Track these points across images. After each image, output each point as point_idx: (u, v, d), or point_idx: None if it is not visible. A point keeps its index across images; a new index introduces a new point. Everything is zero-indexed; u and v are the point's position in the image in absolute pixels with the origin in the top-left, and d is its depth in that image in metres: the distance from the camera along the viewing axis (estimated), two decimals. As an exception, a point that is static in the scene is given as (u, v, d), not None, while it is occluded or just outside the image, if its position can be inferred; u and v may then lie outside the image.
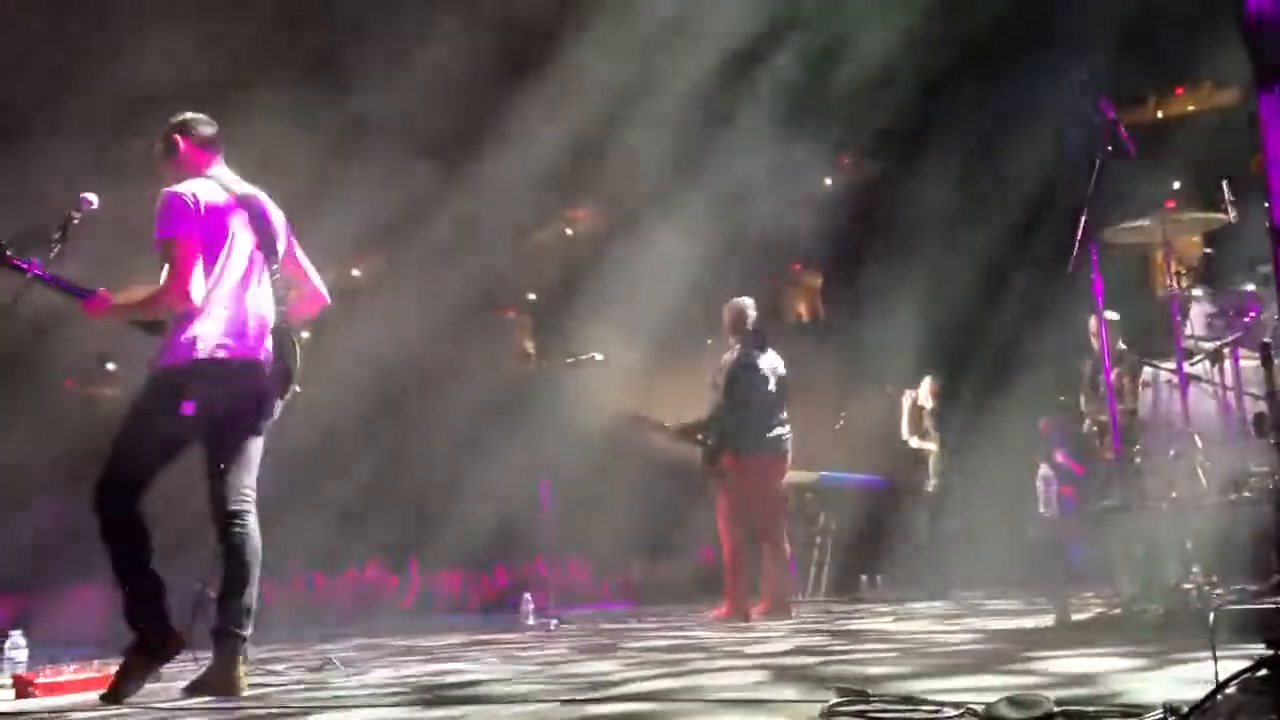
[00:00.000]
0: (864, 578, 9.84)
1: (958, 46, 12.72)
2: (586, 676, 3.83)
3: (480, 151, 14.02)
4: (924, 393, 9.34)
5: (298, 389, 4.25)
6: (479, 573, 14.20)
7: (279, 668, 5.04)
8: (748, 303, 7.51)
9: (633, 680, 3.60)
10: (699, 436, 7.29)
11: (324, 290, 4.37)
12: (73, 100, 10.68)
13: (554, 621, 7.60)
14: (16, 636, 5.46)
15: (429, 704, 3.25)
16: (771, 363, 7.31)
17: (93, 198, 4.16)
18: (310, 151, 15.47)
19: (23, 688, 3.89)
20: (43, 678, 4.07)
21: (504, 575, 13.88)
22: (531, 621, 8.00)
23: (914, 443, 9.36)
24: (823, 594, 9.68)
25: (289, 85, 13.60)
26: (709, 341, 14.58)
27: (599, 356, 8.41)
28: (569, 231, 18.24)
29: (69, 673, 4.16)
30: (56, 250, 4.08)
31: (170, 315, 3.96)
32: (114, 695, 3.73)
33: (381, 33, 12.62)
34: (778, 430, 7.22)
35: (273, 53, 13.27)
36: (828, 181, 16.55)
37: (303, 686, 4.10)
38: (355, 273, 19.77)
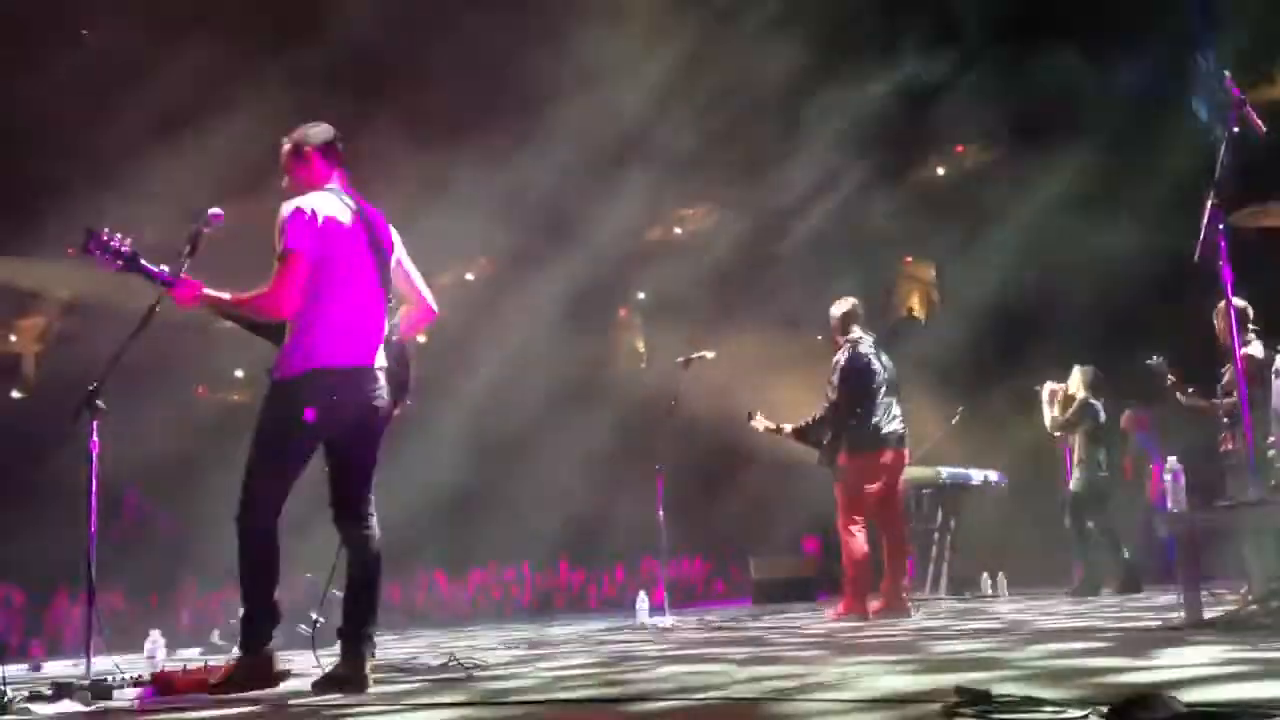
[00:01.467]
0: (985, 575, 9.63)
1: (1073, 27, 12.37)
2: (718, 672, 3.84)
3: (592, 151, 14.17)
4: (1075, 382, 8.95)
5: (409, 402, 4.35)
6: (597, 571, 14.32)
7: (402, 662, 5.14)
8: (854, 301, 7.45)
9: (759, 679, 3.60)
10: (814, 437, 7.23)
11: (433, 303, 4.45)
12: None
13: (670, 620, 7.62)
14: (156, 635, 5.70)
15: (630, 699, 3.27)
16: (883, 359, 7.24)
17: (220, 212, 4.32)
18: (421, 156, 15.87)
19: (164, 684, 4.05)
20: (182, 674, 4.23)
21: (621, 573, 13.97)
22: (647, 620, 8.03)
23: (1052, 429, 9.04)
24: (943, 592, 9.51)
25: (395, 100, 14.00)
26: (819, 338, 14.48)
27: (710, 355, 8.40)
28: (678, 230, 18.28)
29: (202, 670, 4.31)
30: (186, 265, 4.24)
31: (270, 318, 4.08)
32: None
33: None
34: (893, 426, 7.13)
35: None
36: (940, 171, 16.27)
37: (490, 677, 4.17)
38: (469, 276, 20.18)
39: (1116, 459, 9.05)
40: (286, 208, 4.05)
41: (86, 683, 4.07)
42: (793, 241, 15.30)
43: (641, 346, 19.00)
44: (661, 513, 7.80)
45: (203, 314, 4.32)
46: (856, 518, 7.03)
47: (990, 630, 5.39)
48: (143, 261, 4.15)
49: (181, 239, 4.35)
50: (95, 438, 4.47)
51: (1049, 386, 9.07)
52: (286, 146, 4.28)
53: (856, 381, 7.07)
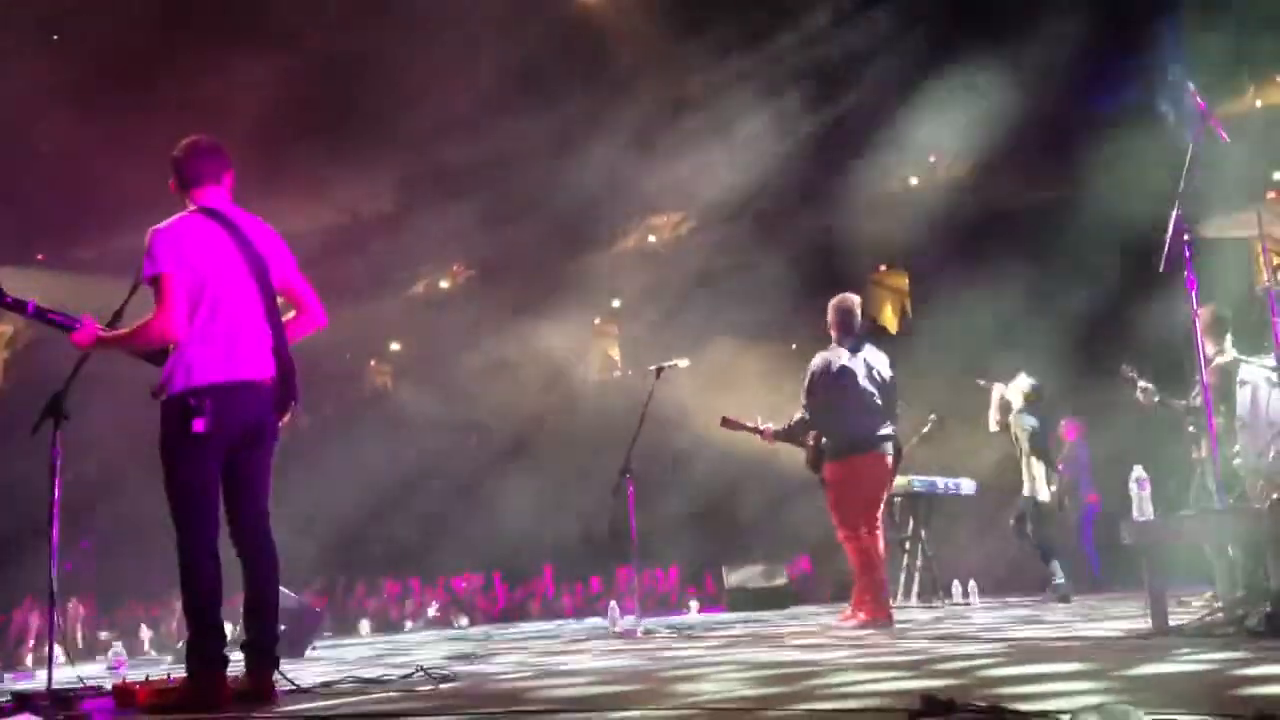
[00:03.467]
0: (956, 583, 9.66)
1: (1052, 39, 12.48)
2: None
3: (563, 161, 14.19)
4: (1014, 391, 9.05)
5: (298, 407, 4.32)
6: (570, 580, 14.26)
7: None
8: (855, 300, 7.19)
9: (692, 691, 3.58)
10: (799, 438, 7.14)
11: (322, 311, 4.42)
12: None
13: (640, 628, 7.60)
14: (118, 646, 5.63)
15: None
16: (870, 362, 6.98)
17: None
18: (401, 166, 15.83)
19: (124, 695, 4.00)
20: (143, 685, 4.17)
21: (596, 582, 13.92)
22: (619, 629, 8.00)
23: (993, 428, 9.15)
24: (914, 600, 9.53)
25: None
26: (793, 346, 14.51)
27: (684, 363, 8.36)
28: (652, 239, 18.31)
29: (164, 681, 4.26)
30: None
31: (162, 345, 4.07)
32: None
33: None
34: (869, 429, 6.87)
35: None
36: (913, 181, 16.37)
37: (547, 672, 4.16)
38: (443, 284, 20.13)
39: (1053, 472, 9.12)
40: (148, 233, 4.06)
41: (46, 694, 4.01)
42: (765, 248, 15.33)
43: (616, 354, 19.00)
44: (633, 521, 7.76)
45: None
46: (851, 523, 6.88)
47: (961, 637, 5.40)
48: (46, 311, 4.21)
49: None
50: (58, 446, 4.41)
51: (998, 388, 9.13)
52: (168, 168, 4.29)
53: (825, 386, 6.91)
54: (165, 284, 3.98)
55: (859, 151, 14.81)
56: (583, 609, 13.17)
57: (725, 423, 7.59)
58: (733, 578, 11.38)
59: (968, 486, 10.03)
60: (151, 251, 4.00)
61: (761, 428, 7.37)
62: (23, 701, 3.92)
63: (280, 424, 4.21)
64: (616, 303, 17.99)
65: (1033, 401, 9.00)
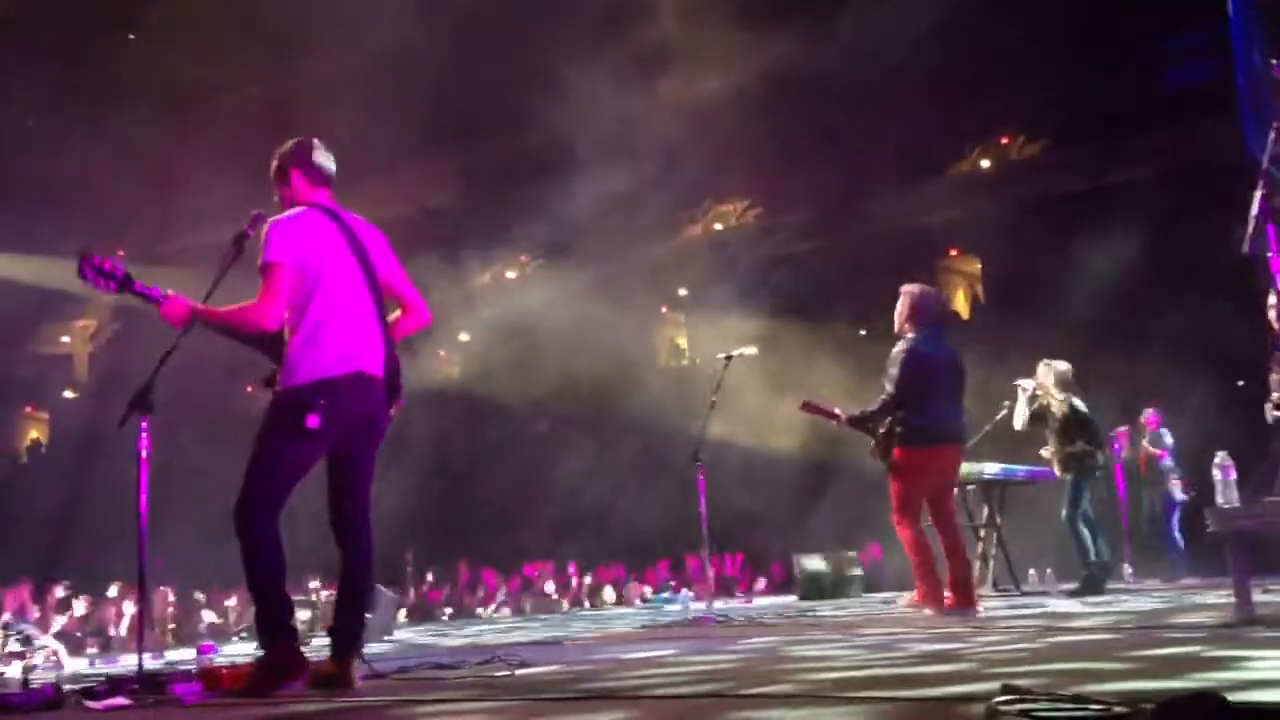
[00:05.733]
0: (1032, 571, 9.53)
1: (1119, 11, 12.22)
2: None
3: (629, 148, 14.20)
4: (1043, 379, 8.96)
5: (403, 402, 4.39)
6: (639, 566, 14.34)
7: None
8: (933, 291, 7.26)
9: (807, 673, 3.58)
10: (870, 426, 7.09)
11: (426, 309, 4.49)
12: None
13: (712, 615, 7.61)
14: (205, 630, 5.75)
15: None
16: (948, 352, 7.03)
17: (264, 214, 4.37)
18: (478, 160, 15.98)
19: (212, 679, 4.11)
20: (229, 670, 4.29)
21: (665, 568, 13.98)
22: (692, 615, 8.02)
23: (1019, 426, 9.05)
24: (989, 588, 9.42)
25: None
26: (862, 332, 14.40)
27: (752, 350, 8.34)
28: (719, 226, 18.27)
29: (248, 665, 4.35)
30: (231, 264, 4.31)
31: (256, 330, 4.15)
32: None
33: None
34: (951, 421, 6.94)
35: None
36: (985, 164, 16.14)
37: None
38: (510, 274, 20.29)
39: (1102, 455, 8.98)
40: (266, 224, 4.16)
41: (138, 677, 4.13)
42: (837, 236, 15.22)
43: (684, 343, 19.00)
44: (704, 511, 7.76)
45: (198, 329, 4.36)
46: (911, 512, 6.89)
47: (1037, 625, 5.33)
48: (133, 282, 4.27)
49: (226, 241, 4.42)
50: (145, 438, 4.51)
51: (1022, 384, 9.01)
52: (274, 164, 4.37)
53: (914, 374, 6.89)
54: (274, 273, 4.07)
55: (921, 133, 14.63)
56: (653, 595, 13.23)
57: (805, 406, 7.52)
58: (803, 565, 11.34)
59: (1042, 473, 9.88)
60: (267, 241, 4.10)
61: (837, 412, 7.31)
62: (115, 685, 4.04)
63: (388, 419, 4.29)
64: (683, 291, 17.98)
65: (1068, 382, 8.90)
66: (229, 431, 13.41)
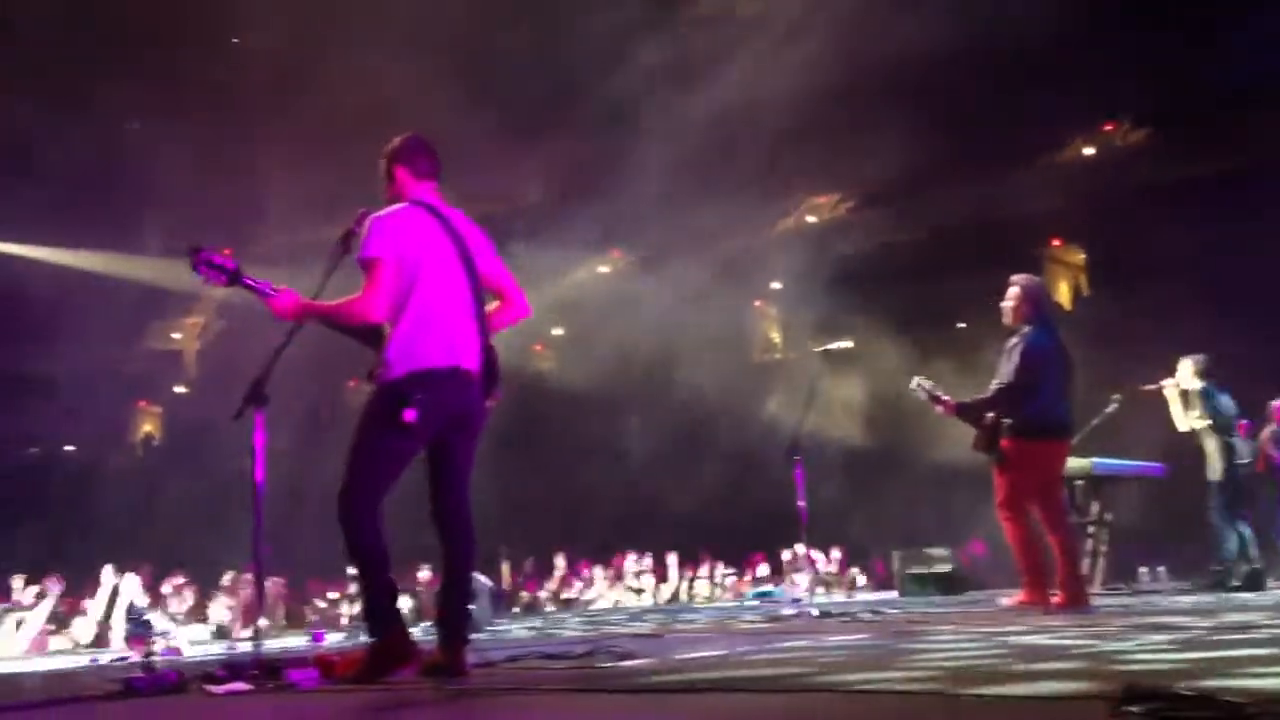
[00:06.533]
0: (1143, 569, 9.27)
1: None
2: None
3: (721, 141, 14.14)
4: (1184, 375, 8.71)
5: (500, 396, 4.43)
6: (736, 560, 14.30)
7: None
8: (1036, 281, 7.16)
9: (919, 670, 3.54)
10: (975, 416, 6.97)
11: (525, 301, 4.52)
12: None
13: (811, 609, 7.56)
14: (318, 619, 5.87)
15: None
16: (1059, 345, 6.93)
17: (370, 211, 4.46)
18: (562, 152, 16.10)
19: (326, 666, 4.21)
20: (342, 657, 4.38)
21: (762, 562, 13.93)
22: (790, 610, 7.98)
23: (1183, 427, 8.78)
24: (1099, 586, 9.17)
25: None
26: (960, 325, 14.15)
27: (848, 344, 8.26)
28: (811, 219, 18.11)
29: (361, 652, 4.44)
30: (339, 261, 4.40)
31: (360, 324, 4.23)
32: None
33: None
34: (1062, 415, 6.86)
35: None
36: (1088, 151, 15.73)
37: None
38: (603, 269, 20.39)
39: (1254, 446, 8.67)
40: (368, 220, 4.24)
41: (255, 663, 4.25)
42: (933, 227, 14.97)
43: (777, 336, 18.90)
44: (803, 503, 7.71)
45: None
46: (1019, 505, 6.75)
47: (1151, 624, 5.19)
48: (244, 276, 4.35)
49: (333, 238, 4.51)
50: (260, 431, 4.61)
51: (1168, 384, 8.74)
52: (381, 161, 4.46)
53: (1034, 365, 6.76)
54: (376, 268, 4.15)
55: (1028, 119, 14.30)
56: (751, 589, 13.20)
57: (919, 388, 7.41)
58: (905, 562, 11.19)
59: (1153, 468, 9.60)
60: (369, 236, 4.19)
61: (945, 398, 7.19)
62: (234, 670, 4.17)
63: (486, 411, 4.35)
64: (776, 284, 17.86)
65: (1211, 376, 8.63)
66: (332, 423, 13.77)
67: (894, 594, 11.31)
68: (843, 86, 13.24)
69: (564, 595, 13.83)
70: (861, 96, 13.64)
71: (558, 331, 19.98)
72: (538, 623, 9.88)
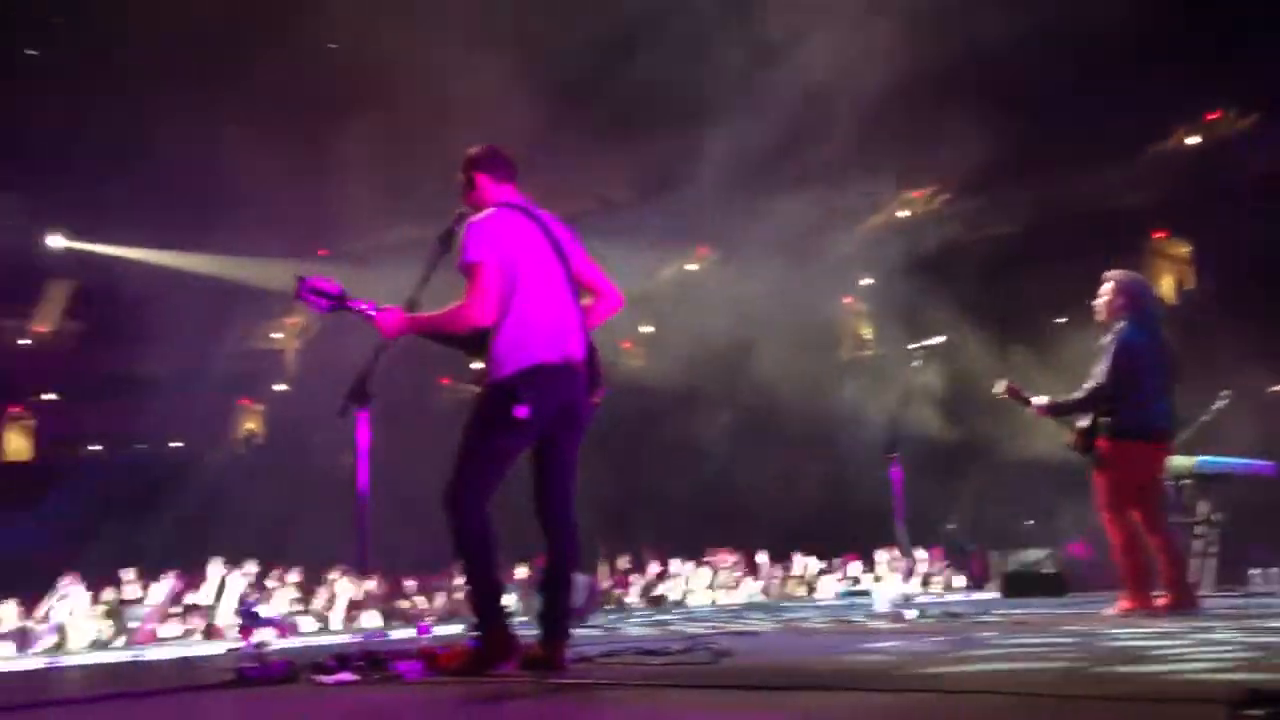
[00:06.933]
0: (1255, 571, 8.96)
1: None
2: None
3: (811, 135, 14.03)
4: None
5: (604, 392, 4.45)
6: (829, 560, 14.18)
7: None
8: (1131, 276, 6.89)
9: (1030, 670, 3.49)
10: (1068, 416, 6.81)
11: (618, 293, 4.55)
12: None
13: (908, 610, 7.47)
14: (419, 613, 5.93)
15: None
16: (1161, 342, 6.71)
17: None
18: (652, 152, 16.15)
19: (430, 659, 4.28)
20: (446, 650, 4.46)
21: (856, 563, 13.80)
22: (885, 610, 7.89)
23: None
24: (1209, 589, 8.89)
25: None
26: (1060, 321, 13.83)
27: (941, 340, 8.13)
28: (904, 213, 17.87)
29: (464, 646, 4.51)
30: (438, 262, 4.47)
31: (468, 329, 4.24)
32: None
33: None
34: (1162, 415, 6.63)
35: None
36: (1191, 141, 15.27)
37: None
38: (690, 266, 20.39)
39: None
40: (465, 224, 4.29)
41: (362, 654, 4.35)
42: (1030, 219, 14.67)
43: (868, 333, 18.70)
44: (899, 505, 7.61)
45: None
46: (1119, 507, 6.59)
47: (1267, 627, 5.02)
48: (349, 300, 4.42)
49: (433, 238, 4.58)
50: (364, 428, 4.70)
51: None
52: (460, 171, 4.52)
53: (1126, 364, 6.58)
54: (478, 272, 4.20)
55: (1129, 107, 13.93)
56: (845, 588, 13.09)
57: (1008, 390, 7.27)
58: (1006, 562, 10.98)
59: (1264, 467, 9.26)
60: (468, 241, 4.24)
61: (1032, 400, 7.04)
62: (342, 661, 4.27)
63: (592, 408, 4.39)
64: (867, 280, 17.67)
65: None
66: (427, 420, 14.03)
67: (993, 595, 11.11)
68: (936, 76, 13.06)
69: (655, 592, 13.86)
70: (955, 86, 13.43)
71: (646, 329, 20.04)
72: (630, 619, 9.93)
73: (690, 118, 14.37)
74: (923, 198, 17.70)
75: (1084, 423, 6.73)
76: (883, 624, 6.76)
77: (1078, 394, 6.77)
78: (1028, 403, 7.03)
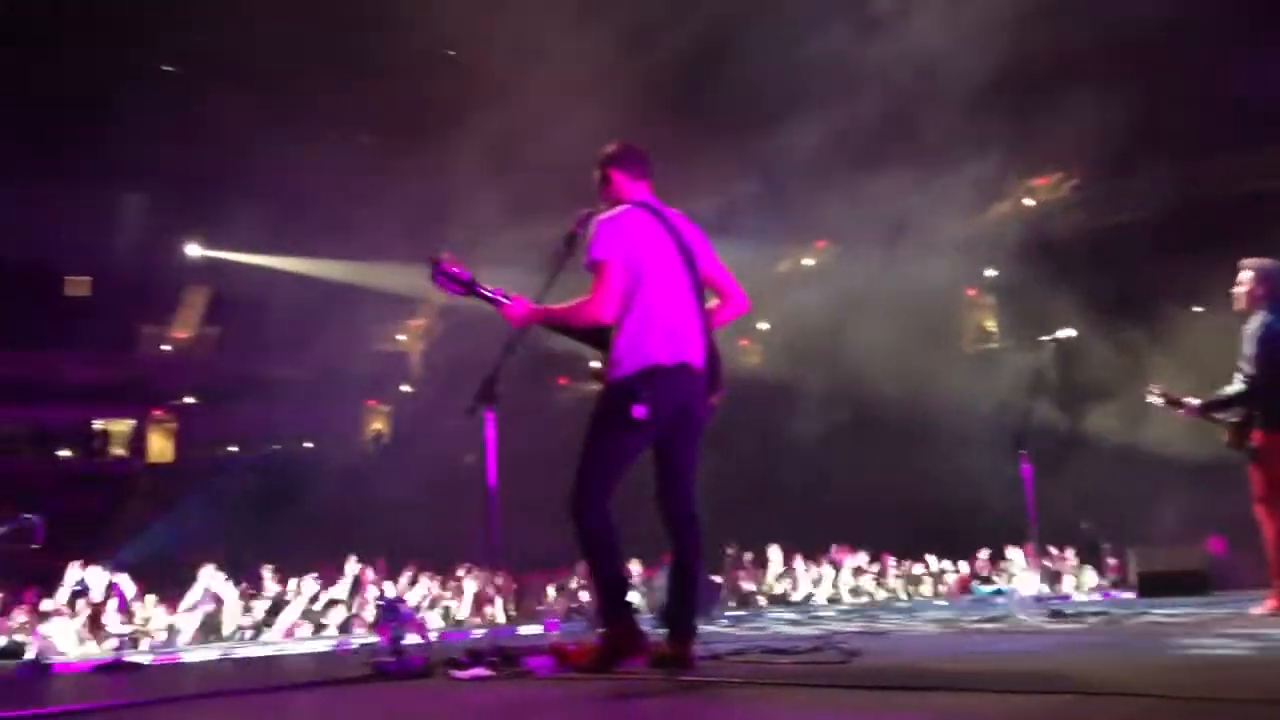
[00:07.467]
0: None
1: None
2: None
3: (932, 123, 13.76)
4: None
5: (724, 392, 4.43)
6: (956, 559, 13.91)
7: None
8: (1274, 263, 6.59)
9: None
10: (1225, 414, 6.54)
11: (744, 296, 4.53)
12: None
13: (1041, 609, 7.28)
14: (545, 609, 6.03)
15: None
16: None
17: (592, 212, 4.56)
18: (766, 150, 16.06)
19: (560, 655, 4.34)
20: (575, 646, 4.51)
21: (985, 561, 13.50)
22: (1017, 609, 7.70)
23: None
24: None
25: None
26: (1197, 309, 13.29)
27: (1070, 333, 7.91)
28: (1029, 201, 17.41)
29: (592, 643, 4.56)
30: (563, 262, 4.52)
31: (591, 325, 4.28)
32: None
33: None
34: None
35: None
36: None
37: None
38: (807, 261, 20.21)
39: None
40: (592, 224, 4.31)
41: (495, 650, 4.43)
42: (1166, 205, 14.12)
43: (993, 326, 18.27)
44: (1031, 502, 7.42)
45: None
46: (1276, 501, 6.29)
47: None
48: (479, 286, 4.49)
49: (559, 239, 4.63)
50: (492, 428, 4.76)
51: None
52: (595, 168, 4.54)
53: (1273, 352, 6.30)
54: (605, 270, 4.24)
55: (1267, 89, 13.29)
56: (977, 587, 12.84)
57: (1158, 394, 7.03)
58: (1141, 560, 10.59)
59: None
60: (595, 239, 4.29)
61: (1186, 401, 6.79)
62: (475, 657, 4.36)
63: (710, 407, 4.40)
64: (991, 271, 17.26)
65: None
66: (546, 418, 14.20)
67: (1130, 594, 10.74)
68: (1063, 59, 12.68)
69: (779, 590, 13.79)
70: (1084, 69, 13.02)
71: (763, 326, 19.94)
72: (755, 617, 9.91)
73: (809, 109, 14.25)
74: (1049, 184, 17.19)
75: (1237, 418, 6.47)
76: (1016, 624, 6.60)
77: (1228, 391, 6.52)
78: (1181, 406, 6.80)
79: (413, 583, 12.37)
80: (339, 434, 22.83)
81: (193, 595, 11.06)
